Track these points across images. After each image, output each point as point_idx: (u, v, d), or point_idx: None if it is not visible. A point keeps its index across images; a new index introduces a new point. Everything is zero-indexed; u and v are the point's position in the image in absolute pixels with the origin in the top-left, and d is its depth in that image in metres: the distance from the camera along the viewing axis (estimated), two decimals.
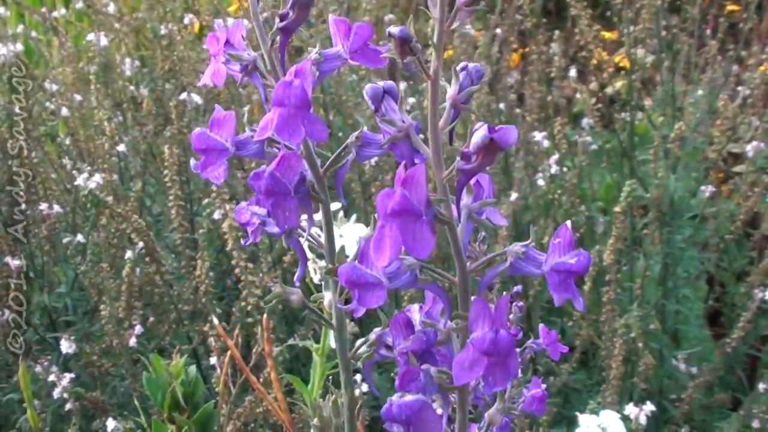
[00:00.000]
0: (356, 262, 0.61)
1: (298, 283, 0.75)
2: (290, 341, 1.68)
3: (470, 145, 0.63)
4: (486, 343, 0.54)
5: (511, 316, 0.85)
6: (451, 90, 0.67)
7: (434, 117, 0.64)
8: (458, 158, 0.62)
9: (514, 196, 1.86)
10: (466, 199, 0.65)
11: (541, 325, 0.88)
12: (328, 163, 0.74)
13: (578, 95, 2.70)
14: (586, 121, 2.51)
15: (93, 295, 1.90)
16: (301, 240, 0.76)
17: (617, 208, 1.74)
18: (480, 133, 0.62)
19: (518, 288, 0.84)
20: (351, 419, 0.72)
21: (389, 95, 0.70)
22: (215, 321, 1.25)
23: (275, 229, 0.71)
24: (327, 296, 0.72)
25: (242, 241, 0.79)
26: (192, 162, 0.72)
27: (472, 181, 0.66)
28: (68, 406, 1.81)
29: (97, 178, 1.74)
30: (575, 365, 2.01)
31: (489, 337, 0.54)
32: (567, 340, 2.20)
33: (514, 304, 0.86)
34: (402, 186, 0.59)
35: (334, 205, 1.44)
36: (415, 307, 0.64)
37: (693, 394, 1.91)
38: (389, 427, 0.60)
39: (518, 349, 0.88)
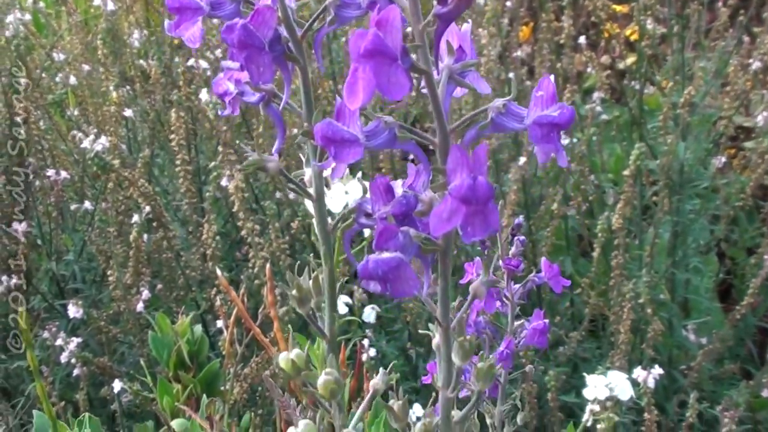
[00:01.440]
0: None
1: (276, 154, 0.73)
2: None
3: None
4: (464, 189, 0.52)
5: (513, 249, 0.85)
6: None
7: None
8: (435, 3, 0.59)
9: (522, 160, 1.85)
10: (447, 59, 0.63)
11: (543, 259, 0.88)
12: (307, 25, 0.72)
13: (589, 69, 2.69)
14: (597, 95, 2.50)
15: (101, 262, 1.90)
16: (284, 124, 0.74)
17: (626, 172, 1.72)
18: None
19: (519, 220, 0.84)
20: (332, 294, 0.71)
21: None
22: (218, 272, 1.24)
23: (253, 98, 0.70)
24: (307, 172, 0.71)
25: (219, 112, 0.78)
26: (166, 23, 0.71)
27: (455, 45, 0.63)
28: (76, 371, 1.82)
29: (103, 140, 1.74)
30: (584, 334, 2.00)
31: (467, 183, 0.53)
32: (577, 311, 2.19)
33: (516, 237, 0.85)
34: (376, 27, 0.57)
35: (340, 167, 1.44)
36: (398, 182, 0.62)
37: (702, 362, 1.89)
38: (366, 285, 0.59)
39: (519, 285, 0.87)
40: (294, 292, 0.68)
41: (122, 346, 1.95)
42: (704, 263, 2.15)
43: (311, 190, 0.71)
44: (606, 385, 1.51)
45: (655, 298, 2.07)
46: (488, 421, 0.84)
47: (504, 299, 0.84)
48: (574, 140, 2.27)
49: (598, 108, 2.43)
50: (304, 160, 0.73)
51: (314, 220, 0.73)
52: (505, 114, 0.58)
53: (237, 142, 1.91)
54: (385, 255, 0.56)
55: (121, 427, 1.81)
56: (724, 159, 2.26)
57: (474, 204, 0.53)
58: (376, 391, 0.59)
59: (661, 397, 2.13)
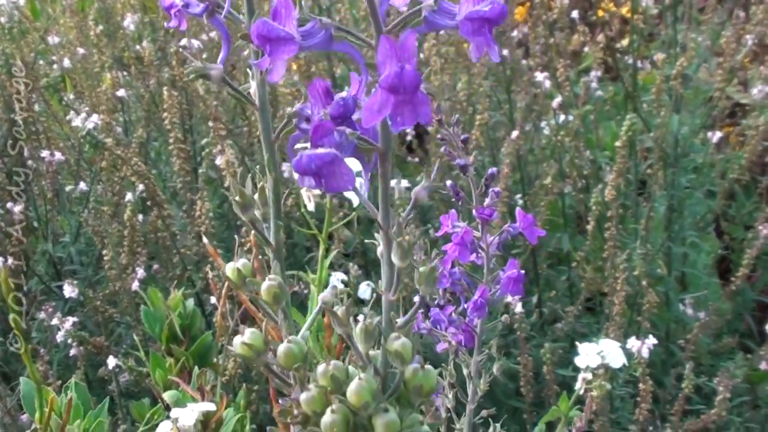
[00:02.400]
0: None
1: (221, 64, 0.73)
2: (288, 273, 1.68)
3: None
4: (391, 78, 0.52)
5: (487, 200, 0.85)
6: None
7: None
8: None
9: (515, 134, 1.85)
10: None
11: (517, 209, 0.88)
12: None
13: (585, 48, 2.69)
14: (594, 74, 2.50)
15: (97, 242, 1.91)
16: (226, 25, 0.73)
17: (618, 143, 1.72)
18: None
19: (493, 170, 0.84)
20: (276, 203, 0.71)
21: None
22: (205, 240, 1.25)
23: (197, 9, 0.70)
24: (252, 85, 0.71)
25: (165, 24, 0.78)
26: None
27: None
28: (73, 351, 1.82)
29: (95, 118, 1.75)
30: (581, 309, 2.00)
31: (394, 72, 0.52)
32: (575, 287, 2.19)
33: (490, 189, 0.85)
34: None
35: None
36: (342, 93, 0.62)
37: (698, 334, 1.89)
38: (300, 181, 0.59)
39: (495, 236, 0.87)
40: (237, 198, 0.68)
41: (119, 326, 1.96)
42: (702, 239, 2.14)
43: (255, 100, 0.71)
44: (598, 353, 1.51)
45: (652, 272, 2.07)
46: (465, 371, 0.84)
47: (479, 250, 0.84)
48: (570, 117, 2.27)
49: (594, 84, 2.42)
50: (250, 74, 0.73)
51: (259, 129, 0.73)
52: (438, 12, 0.58)
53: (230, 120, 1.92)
54: (320, 150, 0.56)
55: (118, 406, 1.82)
56: (720, 134, 2.25)
57: (402, 93, 0.53)
58: (325, 303, 0.59)
59: (659, 372, 2.13)
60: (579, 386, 1.52)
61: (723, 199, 2.27)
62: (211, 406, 1.34)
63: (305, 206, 1.37)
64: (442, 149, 0.83)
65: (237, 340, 0.60)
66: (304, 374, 0.46)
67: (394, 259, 0.57)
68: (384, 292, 0.57)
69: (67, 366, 2.01)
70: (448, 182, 0.84)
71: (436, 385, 0.55)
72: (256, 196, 0.68)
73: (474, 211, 0.82)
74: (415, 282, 0.56)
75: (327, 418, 0.40)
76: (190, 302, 1.52)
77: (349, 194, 1.32)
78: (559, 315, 2.03)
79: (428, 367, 0.40)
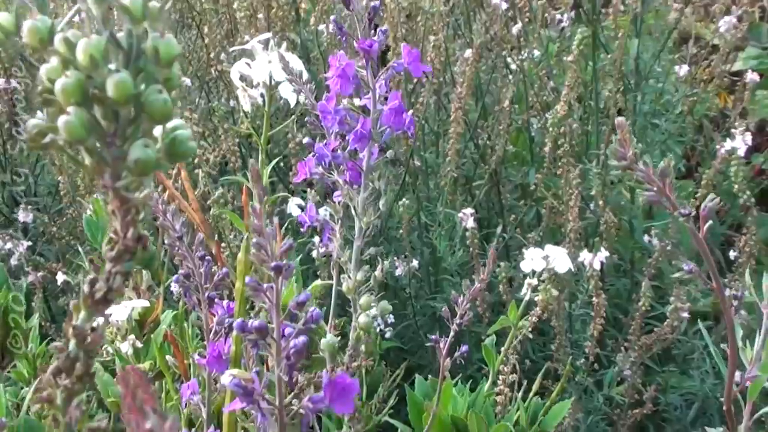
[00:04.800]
0: None
1: None
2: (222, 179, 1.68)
3: None
4: None
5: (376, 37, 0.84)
6: None
7: None
8: None
9: (468, 52, 1.82)
10: None
11: (403, 44, 0.86)
12: None
13: None
14: (566, 16, 2.48)
15: (55, 172, 1.90)
16: None
17: (569, 57, 1.71)
18: None
19: (376, 3, 0.82)
20: None
21: None
22: None
23: None
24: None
25: None
26: None
27: None
28: (30, 278, 1.82)
29: None
30: (542, 234, 1.98)
31: None
32: (540, 218, 2.17)
33: (378, 29, 0.84)
34: None
35: (265, 35, 1.43)
36: None
37: (659, 258, 1.87)
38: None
39: (381, 71, 0.86)
40: None
41: (76, 255, 1.95)
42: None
43: None
44: (543, 257, 1.49)
45: (616, 201, 2.06)
46: (352, 210, 0.83)
47: (363, 83, 0.82)
48: (535, 53, 2.26)
49: (564, 24, 2.41)
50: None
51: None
52: None
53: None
54: None
55: None
56: (686, 68, 2.23)
57: None
58: None
59: (624, 301, 2.12)
60: (525, 292, 1.51)
61: (691, 133, 2.26)
62: (144, 303, 1.34)
63: (242, 108, 1.36)
64: None
65: None
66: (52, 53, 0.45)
67: None
68: None
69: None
70: (332, 17, 0.83)
71: None
72: None
73: (356, 44, 0.80)
74: None
75: (59, 81, 0.39)
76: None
77: (286, 94, 1.31)
78: (522, 242, 2.02)
79: (169, 36, 0.39)
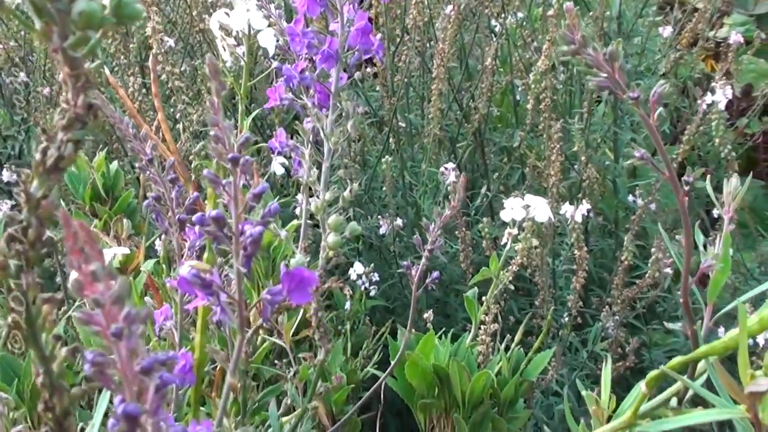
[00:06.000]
0: None
1: None
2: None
3: None
4: None
5: None
6: None
7: None
8: None
9: (449, 8, 1.82)
10: None
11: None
12: None
13: None
14: None
15: (39, 132, 1.90)
16: None
17: (550, 12, 1.71)
18: None
19: None
20: None
21: None
22: (107, 72, 1.24)
23: None
24: None
25: None
26: None
27: None
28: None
29: None
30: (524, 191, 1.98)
31: None
32: (524, 178, 2.18)
33: None
34: None
35: None
36: None
37: (642, 215, 1.88)
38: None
39: None
40: None
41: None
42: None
43: None
44: (523, 207, 1.50)
45: (599, 160, 2.06)
46: (320, 133, 0.83)
47: (330, 6, 0.83)
48: (519, 15, 2.26)
49: None
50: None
51: None
52: None
53: None
54: None
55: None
56: (670, 28, 2.24)
57: None
58: None
59: (609, 262, 2.13)
60: (505, 241, 1.52)
61: (676, 95, 2.27)
62: (125, 251, 1.35)
63: (222, 59, 1.36)
64: None
65: None
66: None
67: None
68: None
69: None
70: None
71: None
72: None
73: None
74: None
75: None
76: (114, 164, 1.52)
77: (265, 43, 1.32)
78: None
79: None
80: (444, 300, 1.97)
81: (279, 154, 0.83)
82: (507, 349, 1.43)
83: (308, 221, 0.86)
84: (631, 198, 2.05)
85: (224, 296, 0.58)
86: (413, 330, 1.37)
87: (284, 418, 0.90)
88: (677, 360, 0.59)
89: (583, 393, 0.65)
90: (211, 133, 0.57)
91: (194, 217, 0.59)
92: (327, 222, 0.78)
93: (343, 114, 0.82)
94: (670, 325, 0.68)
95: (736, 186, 0.67)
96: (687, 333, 0.63)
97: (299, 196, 1.60)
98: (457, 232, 1.76)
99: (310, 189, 0.81)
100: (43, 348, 0.49)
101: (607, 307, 1.76)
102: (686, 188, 0.65)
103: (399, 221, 1.86)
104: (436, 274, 0.92)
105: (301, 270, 0.59)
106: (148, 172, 0.83)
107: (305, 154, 0.82)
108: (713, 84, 1.75)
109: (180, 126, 1.63)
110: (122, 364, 0.41)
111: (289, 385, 0.87)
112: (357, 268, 1.77)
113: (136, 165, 0.82)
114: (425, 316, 1.55)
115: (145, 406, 0.42)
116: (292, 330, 0.92)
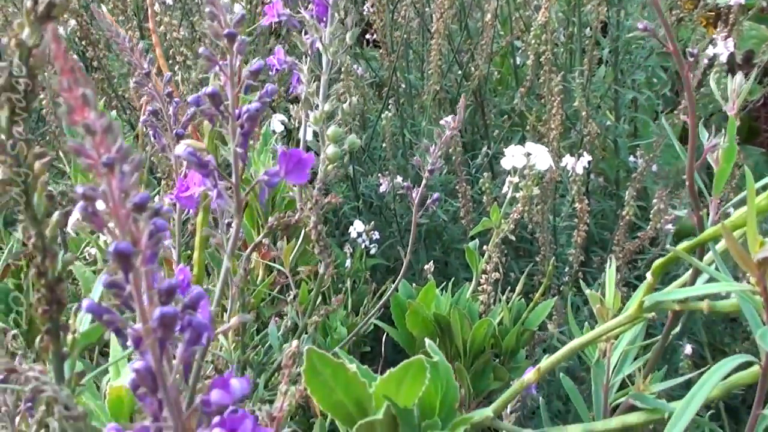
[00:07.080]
0: None
1: None
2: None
3: None
4: None
5: None
6: None
7: None
8: None
9: None
10: None
11: None
12: None
13: None
14: None
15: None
16: None
17: None
18: None
19: None
20: None
21: None
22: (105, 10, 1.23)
23: None
24: None
25: None
26: None
27: None
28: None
29: None
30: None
31: None
32: (524, 139, 2.17)
33: None
34: None
35: None
36: None
37: (643, 173, 1.86)
38: None
39: None
40: None
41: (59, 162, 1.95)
42: (649, 85, 2.12)
43: None
44: (524, 154, 1.49)
45: (599, 120, 2.05)
46: (319, 45, 0.82)
47: None
48: None
49: None
50: None
51: None
52: None
53: None
54: None
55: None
56: None
57: None
58: None
59: (611, 224, 2.12)
60: (506, 189, 1.51)
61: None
62: None
63: None
64: None
65: None
66: None
67: None
68: None
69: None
70: None
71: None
72: None
73: None
74: None
75: None
76: (113, 113, 1.52)
77: None
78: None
79: None
80: (444, 260, 1.96)
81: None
82: (508, 301, 1.42)
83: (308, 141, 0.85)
84: (632, 159, 2.04)
85: (221, 180, 0.57)
86: (413, 284, 1.37)
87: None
88: (685, 244, 0.58)
89: (587, 291, 0.64)
90: (207, 9, 0.56)
91: (190, 98, 0.58)
92: (326, 133, 0.77)
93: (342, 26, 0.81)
94: (676, 212, 0.67)
95: (740, 83, 0.66)
96: (693, 220, 0.62)
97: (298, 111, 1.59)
98: (457, 186, 1.74)
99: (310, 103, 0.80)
100: (35, 208, 0.48)
101: (609, 259, 1.75)
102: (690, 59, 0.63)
103: (399, 179, 1.85)
104: (436, 195, 0.91)
105: (298, 151, 0.58)
106: (145, 87, 0.82)
107: (303, 69, 0.81)
108: (714, 37, 1.73)
109: (179, 77, 1.61)
110: (114, 202, 0.40)
111: (289, 308, 0.86)
112: (357, 226, 1.76)
113: (132, 80, 0.81)
114: (426, 267, 1.54)
115: (139, 247, 0.41)
116: (292, 255, 0.91)
